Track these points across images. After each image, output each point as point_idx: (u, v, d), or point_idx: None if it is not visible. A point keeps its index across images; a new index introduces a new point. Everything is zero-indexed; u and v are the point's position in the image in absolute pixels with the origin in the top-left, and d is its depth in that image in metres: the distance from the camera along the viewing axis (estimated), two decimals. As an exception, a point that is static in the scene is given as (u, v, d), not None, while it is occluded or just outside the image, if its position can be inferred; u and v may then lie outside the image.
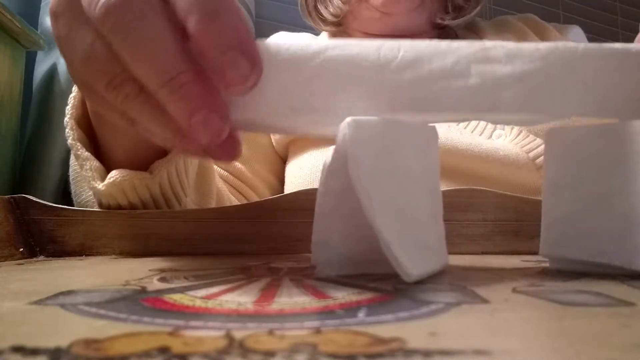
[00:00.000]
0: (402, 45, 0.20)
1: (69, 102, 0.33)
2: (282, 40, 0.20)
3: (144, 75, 0.19)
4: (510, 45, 0.20)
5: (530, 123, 0.23)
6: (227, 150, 0.21)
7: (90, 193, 0.36)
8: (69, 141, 0.32)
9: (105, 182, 0.31)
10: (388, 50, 0.20)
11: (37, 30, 0.70)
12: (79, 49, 0.21)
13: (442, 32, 0.66)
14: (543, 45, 0.20)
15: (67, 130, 0.32)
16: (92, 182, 0.31)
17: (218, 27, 0.18)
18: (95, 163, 0.31)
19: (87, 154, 0.31)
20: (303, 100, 0.20)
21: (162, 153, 0.33)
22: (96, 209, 0.35)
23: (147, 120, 0.21)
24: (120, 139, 0.32)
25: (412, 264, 0.18)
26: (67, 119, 0.32)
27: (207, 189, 0.41)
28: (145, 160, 0.32)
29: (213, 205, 0.41)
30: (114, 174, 0.31)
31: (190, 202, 0.37)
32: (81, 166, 0.32)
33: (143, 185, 0.32)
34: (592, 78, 0.20)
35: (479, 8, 0.61)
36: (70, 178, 0.39)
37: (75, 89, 0.33)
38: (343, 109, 0.20)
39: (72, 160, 0.38)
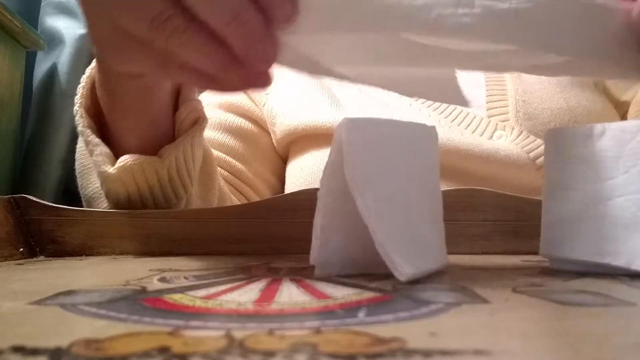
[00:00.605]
0: None
1: (77, 92, 0.33)
2: None
3: (210, 15, 0.21)
4: None
5: (519, 62, 0.24)
6: (264, 77, 0.23)
7: (97, 185, 0.36)
8: (79, 128, 0.33)
9: (116, 165, 0.32)
10: None
11: (37, 30, 0.70)
12: None
13: None
14: None
15: (76, 117, 0.33)
16: (102, 167, 0.32)
17: None
18: (105, 149, 0.32)
19: (97, 139, 0.32)
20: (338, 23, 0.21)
21: (170, 139, 0.34)
22: (103, 202, 0.35)
23: (194, 52, 0.22)
24: (131, 122, 0.33)
25: (407, 263, 0.18)
26: (77, 107, 0.33)
27: (210, 183, 0.41)
28: (154, 146, 0.33)
29: (216, 201, 0.42)
30: (124, 158, 0.32)
31: (194, 194, 0.38)
32: (91, 152, 0.32)
33: (152, 169, 0.32)
34: (577, 22, 0.22)
35: None
36: (77, 171, 0.39)
37: (84, 79, 0.34)
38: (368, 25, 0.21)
39: (78, 153, 0.38)
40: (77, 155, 0.38)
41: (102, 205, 0.36)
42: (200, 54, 0.22)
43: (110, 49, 0.25)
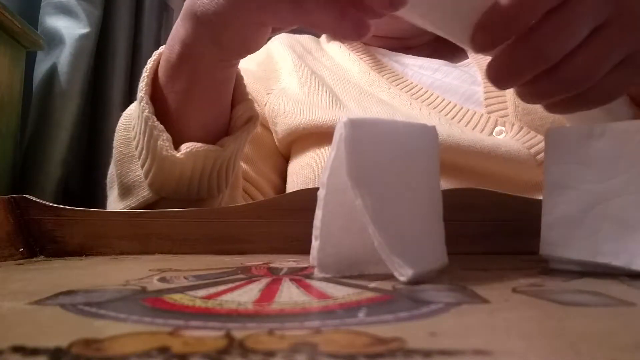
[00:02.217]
0: None
1: (141, 81, 0.36)
2: None
3: None
4: None
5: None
6: (364, 26, 0.26)
7: (139, 173, 0.37)
8: (145, 113, 0.34)
9: (184, 150, 0.34)
10: None
11: (37, 30, 0.70)
12: None
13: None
14: None
15: (142, 104, 0.34)
16: (169, 151, 0.34)
17: None
18: (169, 135, 0.34)
19: (161, 126, 0.34)
20: None
21: (224, 133, 0.37)
22: (142, 191, 0.37)
23: None
24: (203, 112, 0.36)
25: (407, 263, 0.18)
26: (142, 94, 0.35)
27: (237, 183, 0.44)
28: (213, 137, 0.36)
29: (240, 201, 0.44)
30: (191, 144, 0.34)
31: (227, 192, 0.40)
32: (155, 138, 0.34)
33: (213, 157, 0.35)
34: None
35: None
36: (116, 159, 0.39)
37: (147, 69, 0.36)
38: None
39: (117, 141, 0.39)
40: (116, 143, 0.39)
41: (142, 194, 0.37)
42: None
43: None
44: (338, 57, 0.62)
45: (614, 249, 0.20)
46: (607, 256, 0.20)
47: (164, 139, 0.34)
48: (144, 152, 0.36)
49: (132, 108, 0.39)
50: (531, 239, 0.27)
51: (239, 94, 0.39)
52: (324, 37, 0.69)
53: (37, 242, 0.31)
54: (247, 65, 0.59)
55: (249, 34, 0.31)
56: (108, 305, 0.15)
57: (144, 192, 0.37)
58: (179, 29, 0.34)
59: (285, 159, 0.59)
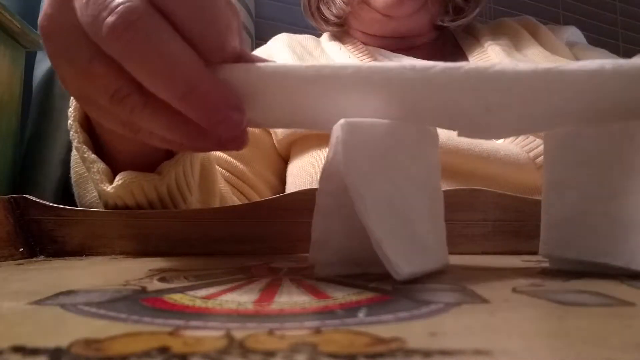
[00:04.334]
0: (373, 68, 0.20)
1: (70, 104, 0.32)
2: (284, 65, 0.21)
3: (163, 90, 0.19)
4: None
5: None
6: (238, 140, 0.22)
7: (95, 194, 0.36)
8: (75, 144, 0.32)
9: (114, 184, 0.31)
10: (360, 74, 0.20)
11: (37, 30, 0.70)
12: (77, 65, 0.21)
13: (441, 33, 0.66)
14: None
15: (71, 133, 0.32)
16: (100, 185, 0.31)
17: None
18: (102, 165, 0.31)
19: (93, 156, 0.31)
20: (306, 115, 0.22)
21: (169, 153, 0.33)
22: (101, 209, 0.35)
23: (157, 127, 0.21)
24: (126, 143, 0.31)
25: (403, 263, 0.18)
26: (71, 122, 0.32)
27: (211, 188, 0.41)
28: (152, 161, 0.32)
29: (217, 204, 0.42)
30: (122, 176, 0.31)
31: (195, 200, 0.37)
32: (88, 169, 0.32)
33: (151, 186, 0.32)
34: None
35: (478, 9, 0.61)
36: (73, 180, 0.38)
37: None
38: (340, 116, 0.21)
39: (73, 162, 0.38)
40: (72, 163, 0.38)
41: None
42: (163, 127, 0.21)
43: (81, 104, 0.24)
44: (338, 57, 0.63)
45: (613, 249, 0.20)
46: (607, 256, 0.20)
47: (95, 172, 0.31)
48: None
49: None
50: (531, 239, 0.27)
51: None
52: (324, 36, 0.69)
53: (37, 242, 0.31)
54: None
55: None
56: (108, 305, 0.15)
57: None
58: None
59: (284, 161, 0.59)
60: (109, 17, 0.18)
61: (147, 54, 0.19)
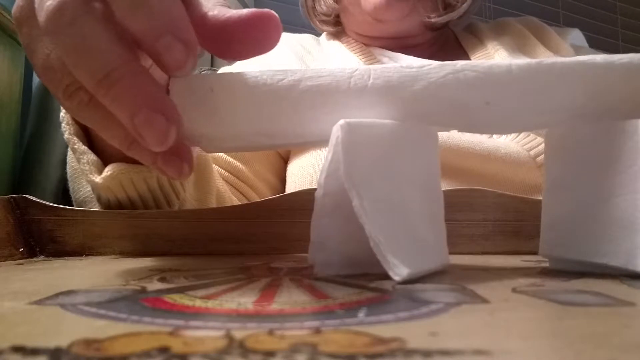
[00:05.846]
0: (372, 73, 0.21)
1: None
2: (258, 71, 0.21)
3: (82, 77, 0.19)
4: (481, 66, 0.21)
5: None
6: (174, 164, 0.21)
7: (89, 189, 0.36)
8: (66, 135, 0.32)
9: (103, 175, 0.31)
10: (358, 78, 0.21)
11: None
12: (39, 58, 0.21)
13: (439, 33, 0.66)
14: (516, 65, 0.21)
15: (63, 125, 0.32)
16: (89, 176, 0.31)
17: (147, 11, 0.18)
18: (92, 157, 0.31)
19: (83, 147, 0.31)
20: (277, 128, 0.21)
21: None
22: (95, 205, 0.35)
23: (97, 126, 0.21)
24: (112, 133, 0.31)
25: (402, 263, 0.18)
26: (63, 114, 0.32)
27: (206, 186, 0.41)
28: None
29: (213, 203, 0.42)
30: (111, 168, 0.31)
31: (189, 198, 0.37)
32: (78, 160, 0.32)
33: (141, 178, 0.31)
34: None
35: (466, 4, 0.61)
36: (68, 175, 0.38)
37: None
38: (314, 135, 0.21)
39: (70, 157, 0.38)
40: (68, 158, 0.38)
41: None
42: (102, 127, 0.21)
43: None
44: (338, 56, 0.63)
45: (613, 249, 0.20)
46: (607, 256, 0.20)
47: (85, 162, 0.31)
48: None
49: None
50: (531, 239, 0.28)
51: None
52: (324, 36, 0.69)
53: (37, 242, 0.31)
54: (247, 66, 0.59)
55: None
56: (108, 305, 0.15)
57: (95, 208, 0.35)
58: None
59: (284, 160, 0.59)
60: (48, 1, 0.18)
61: (69, 36, 0.18)
